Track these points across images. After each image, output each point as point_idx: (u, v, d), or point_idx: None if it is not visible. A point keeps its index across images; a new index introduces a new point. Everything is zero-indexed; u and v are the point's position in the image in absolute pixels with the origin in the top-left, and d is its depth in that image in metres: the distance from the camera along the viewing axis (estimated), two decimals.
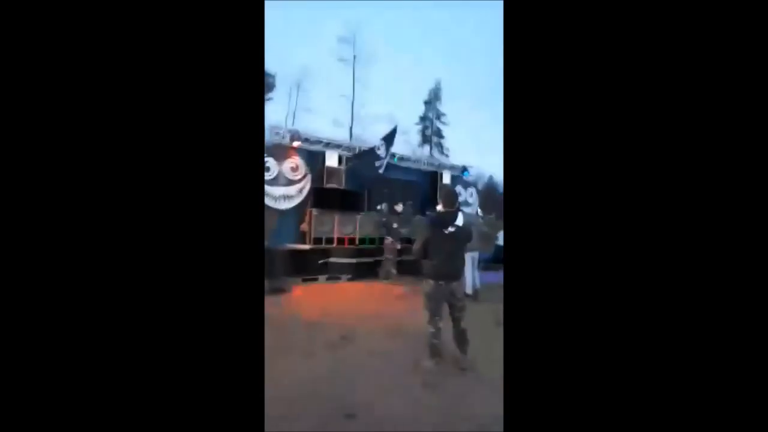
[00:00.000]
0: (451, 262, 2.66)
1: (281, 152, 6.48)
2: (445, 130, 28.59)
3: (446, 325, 2.74)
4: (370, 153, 7.17)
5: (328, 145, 7.24)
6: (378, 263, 6.85)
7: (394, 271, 6.49)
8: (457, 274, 2.71)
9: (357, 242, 7.03)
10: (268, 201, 6.31)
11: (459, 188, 8.75)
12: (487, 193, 21.19)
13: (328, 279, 6.35)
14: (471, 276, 4.89)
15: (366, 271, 6.75)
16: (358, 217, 7.13)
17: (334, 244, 6.75)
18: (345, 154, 7.30)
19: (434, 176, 8.75)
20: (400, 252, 6.70)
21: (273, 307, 4.25)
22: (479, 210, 8.08)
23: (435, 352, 2.72)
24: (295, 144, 6.62)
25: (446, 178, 8.84)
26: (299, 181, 6.73)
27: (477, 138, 39.99)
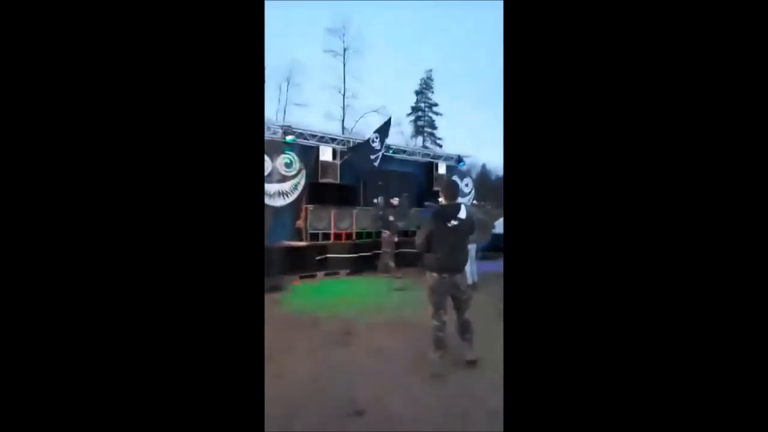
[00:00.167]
0: (455, 255, 2.65)
1: (274, 148, 6.38)
2: (437, 120, 28.53)
3: (450, 318, 2.74)
4: (365, 146, 7.08)
5: (322, 139, 7.15)
6: (376, 257, 6.83)
7: (392, 264, 6.47)
8: (461, 266, 2.70)
9: (354, 237, 6.99)
10: None
11: (455, 178, 8.72)
12: (481, 182, 21.26)
13: (326, 275, 6.32)
14: (471, 267, 4.89)
15: (364, 266, 6.73)
16: (355, 211, 7.08)
17: (331, 240, 6.70)
18: (339, 147, 7.22)
19: (429, 167, 8.71)
20: (397, 245, 6.68)
21: (271, 305, 4.22)
22: (474, 200, 8.07)
23: (440, 344, 2.72)
24: (288, 139, 6.52)
25: (441, 169, 8.80)
26: (294, 176, 6.65)
27: (468, 127, 40.01)
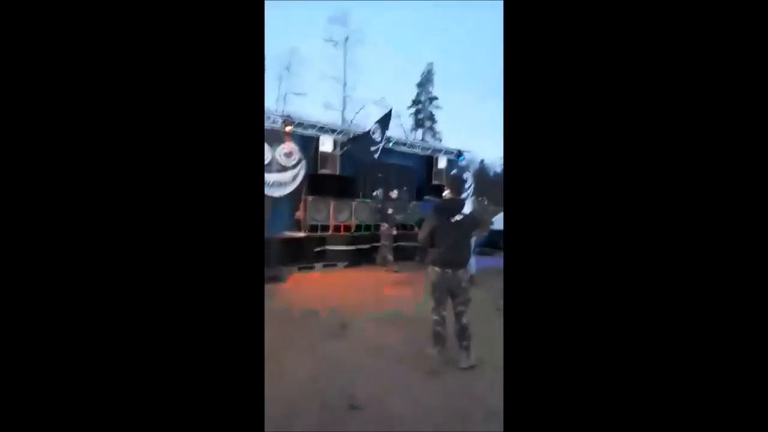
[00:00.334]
0: (458, 250, 2.63)
1: (274, 137, 6.29)
2: (437, 114, 28.37)
3: (450, 317, 2.73)
4: (366, 137, 7.00)
5: (322, 129, 7.06)
6: (374, 249, 6.81)
7: (390, 257, 6.48)
8: (463, 261, 2.69)
9: (353, 229, 6.96)
10: None
11: (455, 172, 8.69)
12: (479, 178, 21.25)
13: (324, 266, 6.30)
14: (471, 263, 4.89)
15: (362, 258, 6.71)
16: (354, 203, 7.03)
17: (330, 232, 6.67)
18: (339, 138, 7.14)
19: (429, 161, 8.66)
20: (396, 238, 6.66)
21: (270, 296, 4.20)
22: (472, 196, 8.05)
23: (438, 340, 2.72)
24: (288, 129, 6.43)
25: (441, 163, 8.75)
26: (293, 167, 6.57)
27: (467, 123, 39.83)
